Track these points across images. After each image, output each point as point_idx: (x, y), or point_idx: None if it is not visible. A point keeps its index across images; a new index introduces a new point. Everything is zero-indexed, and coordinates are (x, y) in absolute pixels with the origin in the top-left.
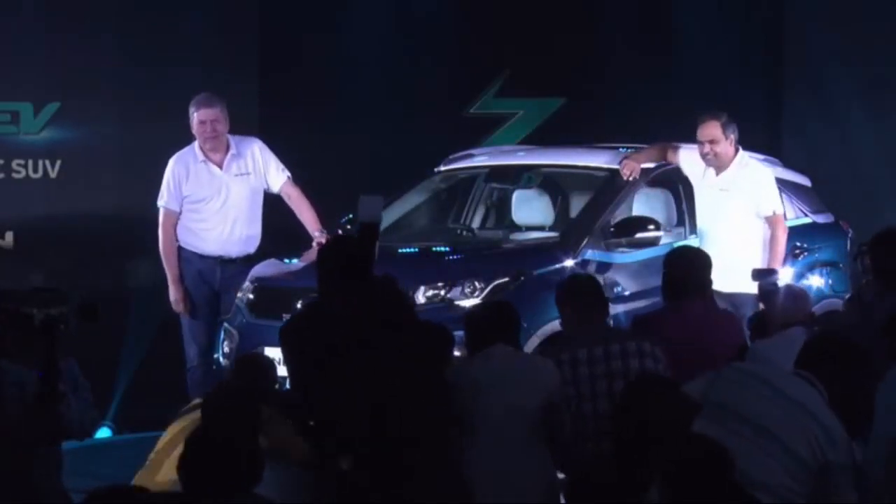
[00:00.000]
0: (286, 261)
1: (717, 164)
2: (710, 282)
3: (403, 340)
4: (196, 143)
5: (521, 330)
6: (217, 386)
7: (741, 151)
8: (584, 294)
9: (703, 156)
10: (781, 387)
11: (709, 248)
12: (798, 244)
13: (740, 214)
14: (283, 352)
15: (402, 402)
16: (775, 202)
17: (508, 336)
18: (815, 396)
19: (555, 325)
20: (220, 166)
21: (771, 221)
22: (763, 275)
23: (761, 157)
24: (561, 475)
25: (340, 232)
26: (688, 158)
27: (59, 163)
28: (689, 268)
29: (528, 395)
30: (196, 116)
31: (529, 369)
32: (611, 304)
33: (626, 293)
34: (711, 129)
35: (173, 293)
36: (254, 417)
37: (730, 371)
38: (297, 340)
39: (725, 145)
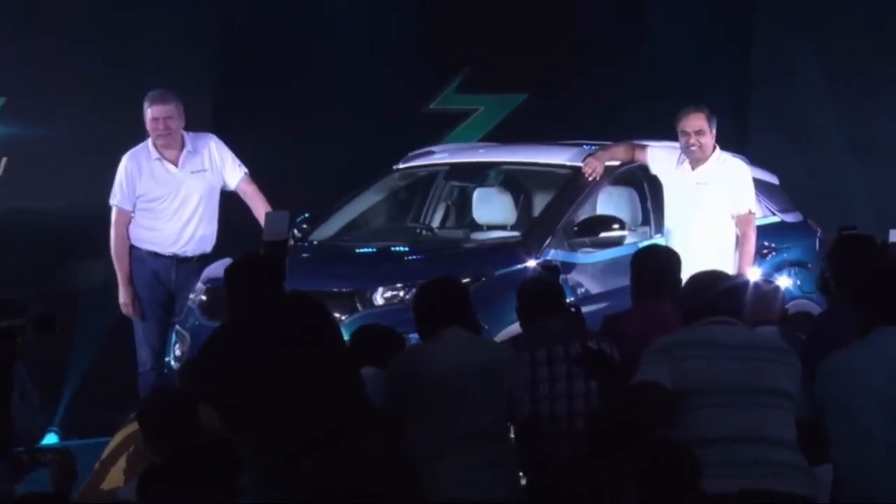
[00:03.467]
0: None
1: (700, 156)
2: (679, 281)
3: (327, 345)
4: (150, 141)
5: (470, 304)
6: (153, 390)
7: (718, 147)
8: (530, 294)
9: (688, 147)
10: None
11: (677, 245)
12: (766, 244)
13: (715, 210)
14: (206, 369)
15: (338, 401)
16: (752, 201)
17: (461, 314)
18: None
19: (517, 328)
20: (176, 164)
21: (743, 220)
22: None
23: (730, 154)
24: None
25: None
26: (657, 156)
27: (4, 160)
28: (659, 267)
29: (488, 384)
30: (149, 113)
31: (487, 355)
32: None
33: (590, 294)
34: (698, 121)
35: (123, 296)
36: (192, 420)
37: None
38: (217, 363)
39: (709, 138)
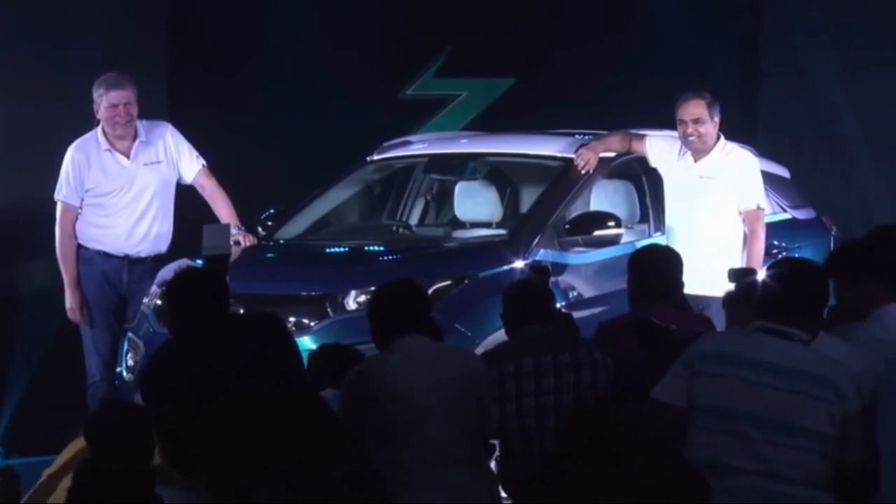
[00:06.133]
0: (199, 262)
1: (700, 146)
2: (681, 284)
3: (279, 369)
4: (98, 130)
5: (431, 307)
6: (101, 404)
7: (723, 137)
8: (516, 299)
9: (686, 136)
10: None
11: (679, 244)
12: (776, 243)
13: (720, 205)
14: (146, 400)
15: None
16: (760, 195)
17: (422, 320)
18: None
19: (502, 335)
20: (128, 155)
21: (751, 217)
22: (741, 275)
23: (737, 144)
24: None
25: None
26: (656, 146)
27: None
28: (659, 268)
29: (459, 398)
30: (106, 99)
31: (456, 365)
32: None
33: (583, 298)
34: (696, 108)
35: (70, 299)
36: (146, 436)
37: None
38: (161, 385)
39: (710, 127)
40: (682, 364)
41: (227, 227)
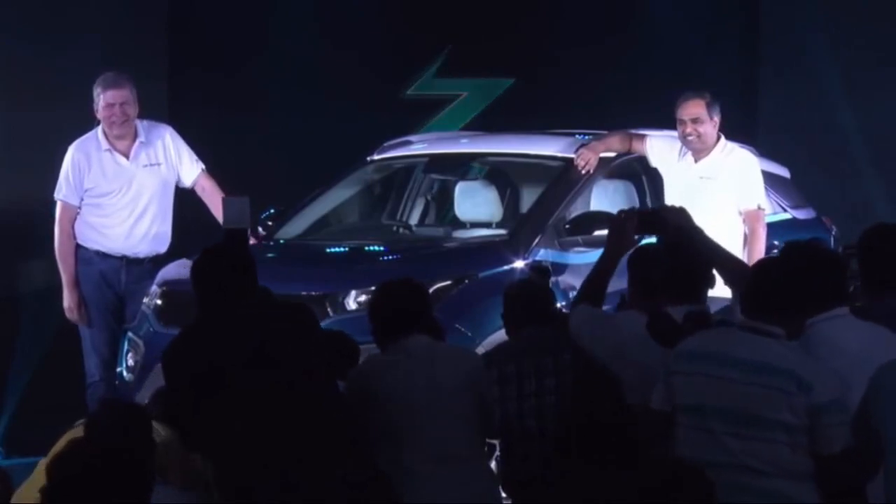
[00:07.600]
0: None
1: (700, 146)
2: None
3: (302, 356)
4: (98, 130)
5: (432, 308)
6: (101, 404)
7: (723, 137)
8: (517, 299)
9: (685, 136)
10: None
11: None
12: (776, 242)
13: (721, 206)
14: (168, 380)
15: (303, 422)
16: (760, 195)
17: (423, 319)
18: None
19: (502, 335)
20: (127, 156)
21: (751, 217)
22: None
23: (737, 144)
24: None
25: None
26: (657, 146)
27: None
28: (659, 268)
29: (460, 398)
30: (103, 98)
31: (457, 365)
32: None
33: None
34: (695, 108)
35: (68, 299)
36: (146, 436)
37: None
38: (183, 366)
39: (709, 127)
40: (665, 368)
41: (247, 200)
